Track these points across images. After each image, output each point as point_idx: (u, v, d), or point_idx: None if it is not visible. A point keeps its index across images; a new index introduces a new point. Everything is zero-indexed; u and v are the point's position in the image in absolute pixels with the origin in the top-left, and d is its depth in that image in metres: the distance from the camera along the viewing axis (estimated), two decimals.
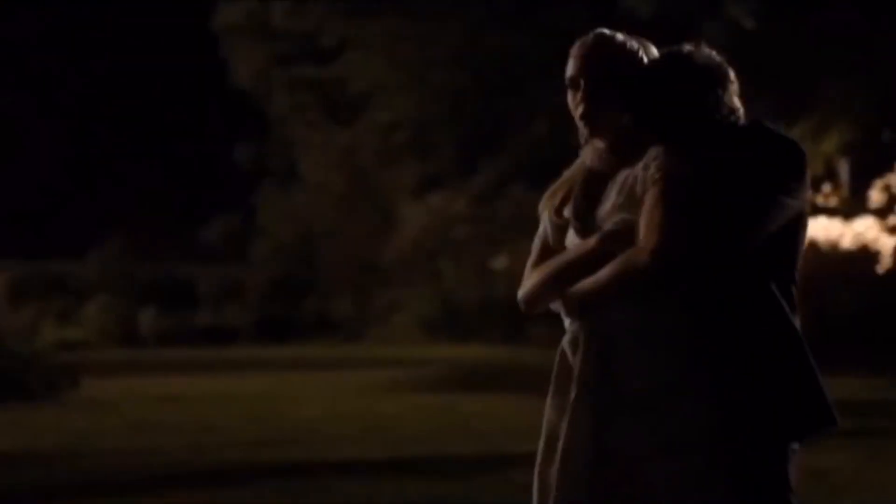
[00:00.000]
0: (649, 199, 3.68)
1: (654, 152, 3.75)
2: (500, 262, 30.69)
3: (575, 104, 3.90)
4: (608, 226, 3.85)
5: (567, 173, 4.07)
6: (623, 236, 3.76)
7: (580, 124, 3.93)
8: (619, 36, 3.94)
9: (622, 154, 3.88)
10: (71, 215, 50.39)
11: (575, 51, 3.93)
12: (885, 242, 25.74)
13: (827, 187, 27.76)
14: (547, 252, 4.05)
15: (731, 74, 3.86)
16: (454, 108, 32.27)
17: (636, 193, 3.77)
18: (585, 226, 3.91)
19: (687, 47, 3.87)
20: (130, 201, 48.98)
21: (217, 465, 13.11)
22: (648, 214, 3.65)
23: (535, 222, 4.23)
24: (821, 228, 26.34)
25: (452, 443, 14.02)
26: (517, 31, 29.86)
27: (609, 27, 3.98)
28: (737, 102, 3.86)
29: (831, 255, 25.41)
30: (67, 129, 53.90)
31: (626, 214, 3.78)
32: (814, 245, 25.57)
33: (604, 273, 3.77)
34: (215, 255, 43.89)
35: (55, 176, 53.07)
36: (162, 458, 13.63)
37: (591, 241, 3.84)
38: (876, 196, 26.61)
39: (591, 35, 3.94)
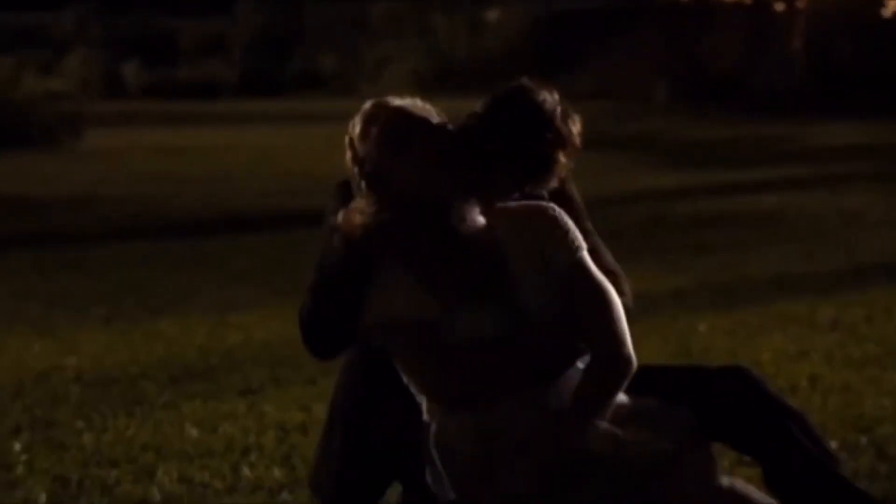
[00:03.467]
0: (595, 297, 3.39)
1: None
2: (492, 16, 30.32)
3: None
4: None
5: None
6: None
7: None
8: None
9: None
10: None
11: None
12: None
13: None
14: None
15: None
16: None
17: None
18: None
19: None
20: None
21: (231, 213, 13.21)
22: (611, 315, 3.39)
23: None
24: None
25: None
26: None
27: None
28: None
29: (835, 1, 25.07)
30: None
31: None
32: None
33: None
34: (196, 8, 43.15)
35: None
36: (176, 206, 13.74)
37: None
38: None
39: None
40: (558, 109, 3.46)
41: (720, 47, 23.99)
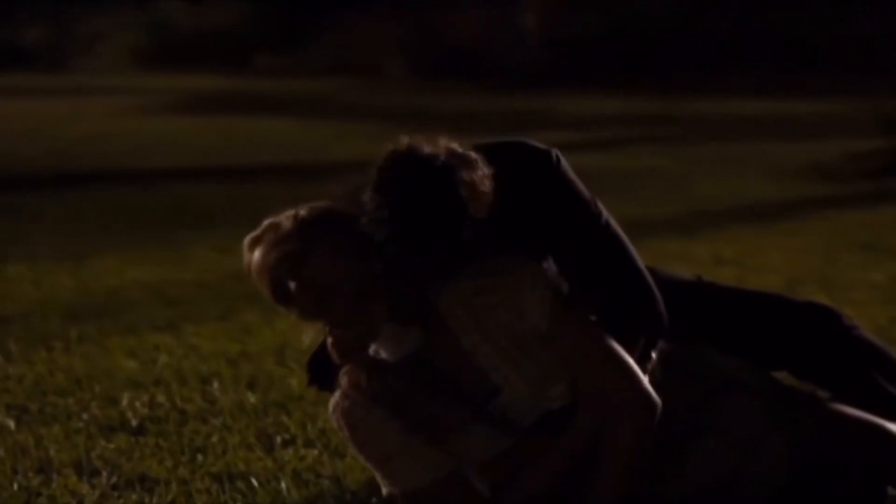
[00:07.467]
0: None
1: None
2: None
3: None
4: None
5: None
6: None
7: None
8: None
9: None
10: None
11: None
12: None
13: None
14: None
15: None
16: None
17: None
18: None
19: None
20: None
21: (22, 172, 12.51)
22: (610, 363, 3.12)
23: None
24: None
25: (240, 155, 13.72)
26: None
27: None
28: None
29: None
30: None
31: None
32: None
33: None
34: None
35: None
36: None
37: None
38: None
39: None
40: (455, 168, 3.06)
41: (457, 22, 24.10)
